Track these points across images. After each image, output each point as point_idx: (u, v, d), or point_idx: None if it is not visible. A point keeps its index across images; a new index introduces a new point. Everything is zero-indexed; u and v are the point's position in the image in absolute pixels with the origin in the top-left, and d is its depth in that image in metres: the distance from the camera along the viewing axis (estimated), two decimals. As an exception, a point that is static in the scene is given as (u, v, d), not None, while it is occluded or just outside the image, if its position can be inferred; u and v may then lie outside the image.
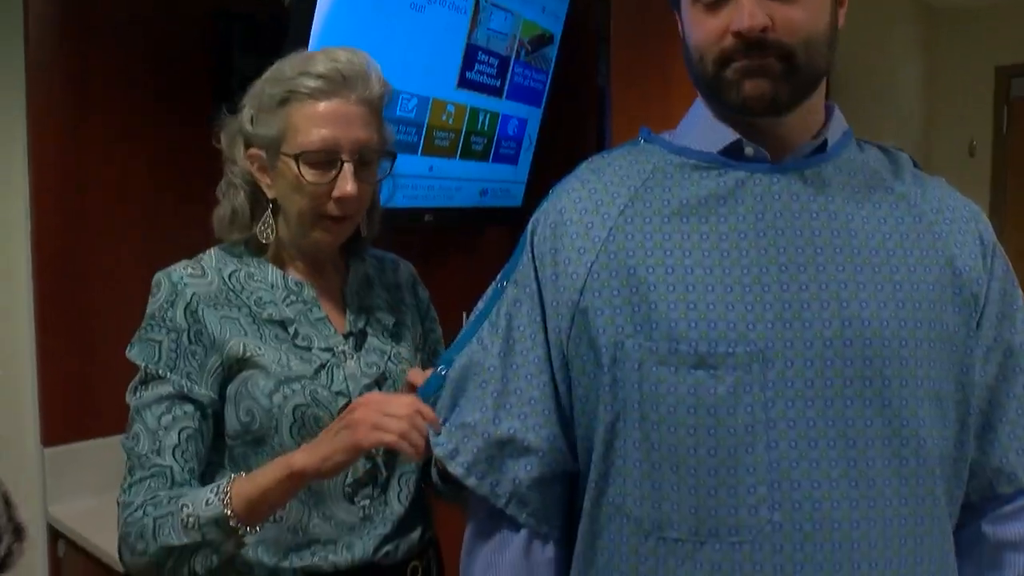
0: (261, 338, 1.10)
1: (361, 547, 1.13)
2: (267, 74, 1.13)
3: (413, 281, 1.35)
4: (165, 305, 1.09)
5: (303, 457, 1.01)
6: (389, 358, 1.19)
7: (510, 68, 2.39)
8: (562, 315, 0.92)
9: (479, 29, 2.22)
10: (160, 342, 1.08)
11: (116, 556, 1.10)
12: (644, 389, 0.87)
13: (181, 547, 1.02)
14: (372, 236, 1.25)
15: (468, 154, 2.37)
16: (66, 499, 1.87)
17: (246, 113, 1.13)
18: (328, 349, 1.14)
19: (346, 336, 1.17)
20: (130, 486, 1.07)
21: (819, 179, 0.90)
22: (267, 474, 1.02)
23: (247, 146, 1.13)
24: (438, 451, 0.97)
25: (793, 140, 0.91)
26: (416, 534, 1.20)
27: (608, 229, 0.91)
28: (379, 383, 1.17)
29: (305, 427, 1.09)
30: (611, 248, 0.90)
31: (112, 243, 1.93)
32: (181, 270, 1.12)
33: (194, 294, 1.09)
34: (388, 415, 0.98)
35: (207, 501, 1.02)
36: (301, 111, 1.09)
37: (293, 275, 1.17)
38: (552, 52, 2.54)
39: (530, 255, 0.97)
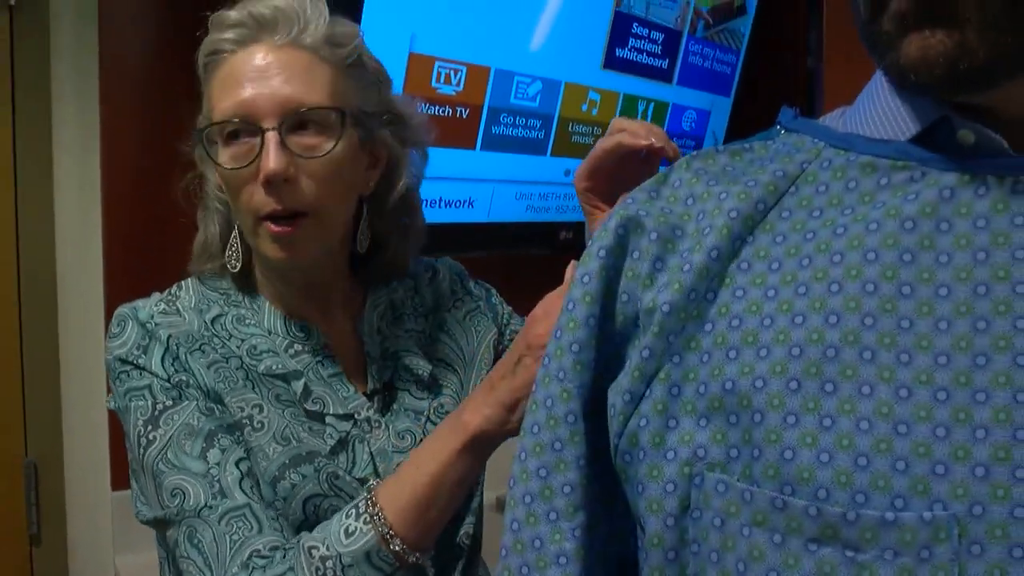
0: (259, 397, 0.84)
1: None
2: None
3: (461, 283, 1.02)
4: (136, 351, 0.82)
5: (473, 413, 0.76)
6: (428, 418, 0.90)
7: (682, 45, 1.90)
8: (616, 406, 0.53)
9: (632, -5, 1.76)
10: (148, 384, 0.82)
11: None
12: (727, 567, 0.47)
13: None
14: (402, 260, 0.94)
15: (625, 155, 1.91)
16: (134, 549, 1.63)
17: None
18: (347, 417, 0.86)
19: (369, 395, 0.89)
20: (201, 556, 0.74)
21: None
22: (424, 461, 0.76)
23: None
24: None
25: None
26: None
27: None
28: None
29: (319, 521, 0.79)
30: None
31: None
32: (152, 307, 0.86)
33: (170, 336, 0.83)
34: None
35: (347, 530, 0.74)
36: (216, 76, 0.82)
37: (293, 317, 0.89)
38: (744, 25, 2.01)
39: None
